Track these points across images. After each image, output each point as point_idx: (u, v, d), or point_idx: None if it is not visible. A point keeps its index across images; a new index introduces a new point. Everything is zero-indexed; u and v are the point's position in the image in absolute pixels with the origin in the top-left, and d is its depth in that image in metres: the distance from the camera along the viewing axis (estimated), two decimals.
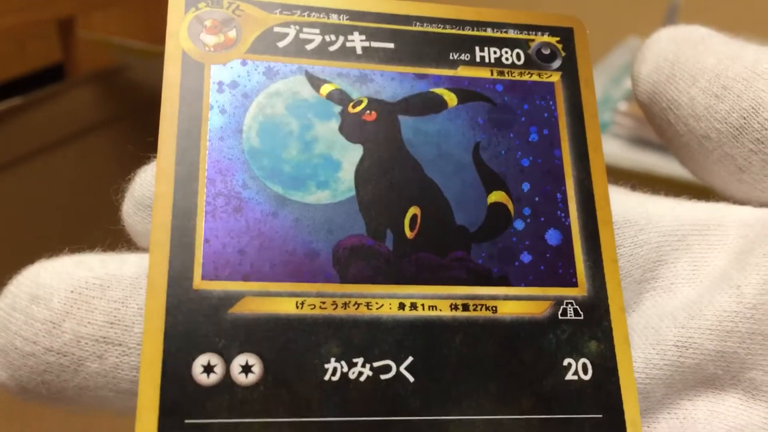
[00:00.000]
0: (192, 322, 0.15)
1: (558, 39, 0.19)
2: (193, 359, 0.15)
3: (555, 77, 0.19)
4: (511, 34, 0.19)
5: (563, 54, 0.19)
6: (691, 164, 0.20)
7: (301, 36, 0.18)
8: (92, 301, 0.15)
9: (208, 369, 0.15)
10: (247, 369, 0.15)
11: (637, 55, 0.21)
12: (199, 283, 0.15)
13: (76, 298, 0.15)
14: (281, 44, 0.18)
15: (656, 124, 0.20)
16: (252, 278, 0.16)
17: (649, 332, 0.17)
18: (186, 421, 0.15)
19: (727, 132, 0.19)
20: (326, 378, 0.15)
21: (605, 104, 0.70)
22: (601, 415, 0.16)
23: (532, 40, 0.19)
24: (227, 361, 0.15)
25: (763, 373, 0.17)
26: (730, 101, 0.19)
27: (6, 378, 0.15)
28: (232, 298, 0.15)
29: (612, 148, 0.64)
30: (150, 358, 0.15)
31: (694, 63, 0.19)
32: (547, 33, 0.19)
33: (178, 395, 0.15)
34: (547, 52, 0.19)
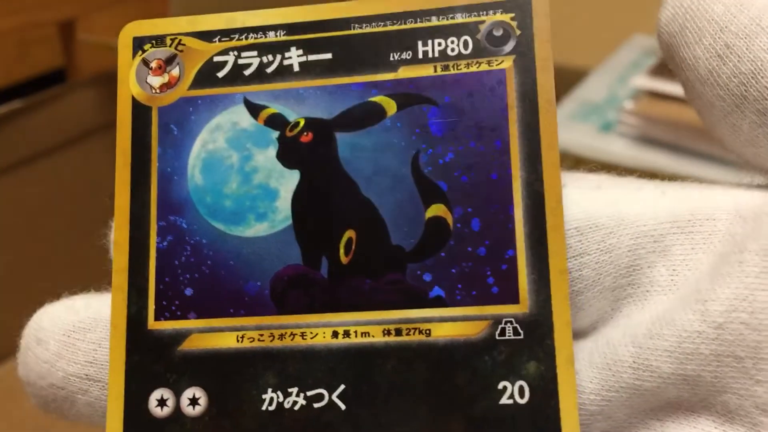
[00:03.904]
0: (147, 360, 0.17)
1: (512, 15, 0.17)
2: (149, 394, 0.17)
3: (507, 63, 0.17)
4: (459, 18, 0.17)
5: (518, 33, 0.17)
6: (711, 131, 0.17)
7: (240, 61, 0.18)
8: (77, 343, 0.18)
9: (162, 402, 0.17)
10: (194, 401, 0.17)
11: None
12: (152, 323, 0.17)
13: (65, 341, 0.18)
14: (221, 74, 0.18)
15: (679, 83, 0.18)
16: (198, 316, 0.17)
17: (609, 350, 0.16)
18: None
19: (730, 101, 0.16)
20: (263, 408, 0.16)
21: (611, 103, 0.69)
22: None
23: (483, 22, 0.17)
24: (177, 395, 0.17)
25: (738, 397, 0.15)
26: (732, 64, 0.16)
27: (35, 403, 0.19)
28: (181, 336, 0.17)
29: (618, 148, 0.64)
30: (114, 394, 0.17)
31: (703, 12, 0.16)
32: (500, 10, 0.17)
33: (138, 427, 0.17)
34: (498, 33, 0.17)
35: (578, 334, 0.17)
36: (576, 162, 0.63)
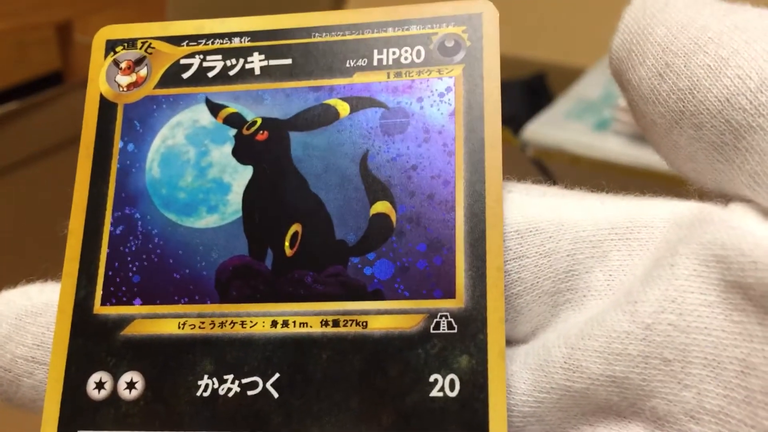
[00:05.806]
0: (90, 343, 0.17)
1: (464, 28, 0.18)
2: (88, 377, 0.17)
3: (457, 71, 0.17)
4: (414, 30, 0.18)
5: (468, 44, 0.18)
6: (657, 151, 0.18)
7: (204, 64, 0.19)
8: (26, 326, 0.18)
9: (100, 385, 0.17)
10: (131, 385, 0.17)
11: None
12: (98, 308, 0.17)
13: (16, 324, 0.18)
14: (186, 75, 0.19)
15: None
16: (143, 302, 0.17)
17: (543, 351, 0.16)
18: (78, 431, 0.17)
19: (669, 117, 0.16)
20: (198, 394, 0.16)
21: (606, 101, 0.68)
22: None
23: (435, 34, 0.18)
24: (115, 378, 0.17)
25: (666, 403, 0.15)
26: (671, 81, 0.16)
27: None
28: (125, 321, 0.17)
29: (612, 145, 0.63)
30: (54, 376, 0.17)
31: (648, 36, 0.17)
32: (452, 23, 0.18)
33: (74, 409, 0.17)
34: (450, 44, 0.18)
35: (519, 341, 0.17)
36: (572, 160, 0.62)
